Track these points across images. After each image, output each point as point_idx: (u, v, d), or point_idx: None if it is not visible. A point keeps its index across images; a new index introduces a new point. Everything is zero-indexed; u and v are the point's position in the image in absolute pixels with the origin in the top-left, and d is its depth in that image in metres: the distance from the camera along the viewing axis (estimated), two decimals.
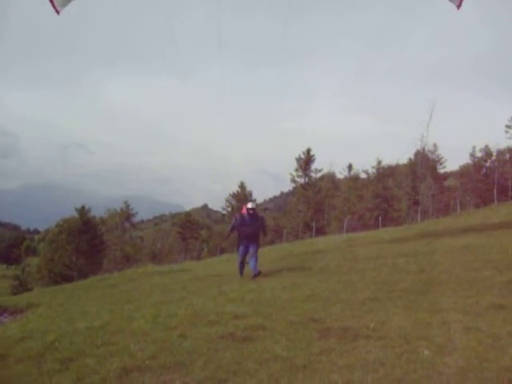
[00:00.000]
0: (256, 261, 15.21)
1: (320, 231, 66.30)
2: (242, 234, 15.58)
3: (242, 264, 15.78)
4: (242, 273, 15.77)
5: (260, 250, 15.98)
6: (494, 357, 5.71)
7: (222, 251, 66.34)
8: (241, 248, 15.68)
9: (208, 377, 5.81)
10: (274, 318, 8.53)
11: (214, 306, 10.12)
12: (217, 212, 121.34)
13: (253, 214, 15.68)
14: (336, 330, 7.38)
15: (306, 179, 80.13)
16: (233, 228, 15.93)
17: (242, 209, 16.36)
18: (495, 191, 60.89)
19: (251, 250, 15.39)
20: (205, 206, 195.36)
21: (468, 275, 11.01)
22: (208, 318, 8.89)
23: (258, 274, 14.69)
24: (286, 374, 5.70)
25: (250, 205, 16.08)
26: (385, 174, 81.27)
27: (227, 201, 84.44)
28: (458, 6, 14.66)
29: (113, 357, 6.85)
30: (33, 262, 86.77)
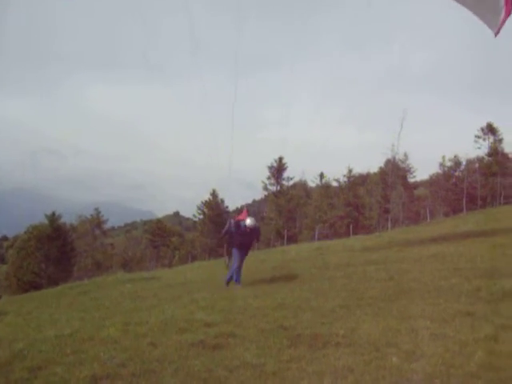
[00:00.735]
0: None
1: (292, 239, 66.49)
2: (236, 241, 15.00)
3: (234, 271, 14.91)
4: (229, 280, 15.04)
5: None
6: (460, 363, 5.82)
7: (194, 258, 66.16)
8: (235, 252, 14.97)
9: None
10: (245, 325, 8.55)
11: (184, 313, 10.10)
12: (188, 219, 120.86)
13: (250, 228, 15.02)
14: (306, 337, 7.43)
15: (278, 187, 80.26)
16: (226, 233, 15.39)
17: (238, 215, 16.10)
18: (464, 200, 61.76)
19: (242, 259, 15.03)
20: (177, 213, 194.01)
21: (436, 283, 11.16)
22: (179, 325, 8.87)
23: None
24: (256, 381, 5.73)
25: (248, 222, 15.08)
26: (356, 182, 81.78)
27: (199, 208, 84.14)
28: (496, 34, 14.94)
29: (82, 365, 6.78)
30: (1, 269, 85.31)
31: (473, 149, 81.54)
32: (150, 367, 6.50)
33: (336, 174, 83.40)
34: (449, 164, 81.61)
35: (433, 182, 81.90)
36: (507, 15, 14.61)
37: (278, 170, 79.67)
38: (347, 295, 10.66)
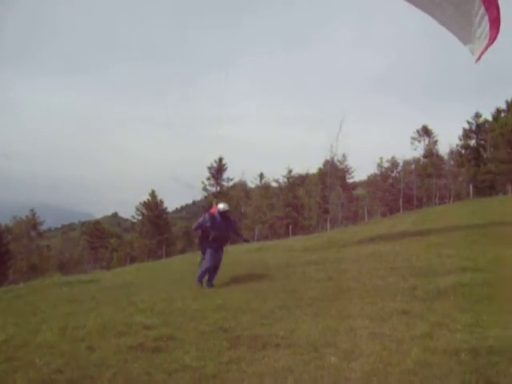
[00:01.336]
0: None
1: (232, 240, 66.47)
2: (212, 236, 14.26)
3: (208, 271, 14.29)
4: (201, 280, 14.28)
5: (171, 259, 15.78)
6: (397, 361, 5.93)
7: (132, 260, 65.36)
8: (210, 252, 14.24)
9: None
10: (185, 328, 8.50)
11: (123, 316, 9.95)
12: (127, 220, 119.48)
13: (225, 215, 14.51)
14: (246, 338, 7.44)
15: (218, 188, 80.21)
16: (199, 227, 14.52)
17: (209, 209, 15.24)
18: (401, 200, 63.13)
19: (217, 257, 14.40)
20: (115, 215, 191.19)
21: (374, 282, 11.35)
22: (117, 328, 8.73)
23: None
24: None
25: (222, 206, 14.70)
26: (295, 183, 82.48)
27: (137, 209, 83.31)
28: (477, 59, 15.22)
29: (17, 372, 6.58)
30: None
31: (409, 150, 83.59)
32: (87, 372, 6.37)
33: (276, 174, 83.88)
34: (386, 165, 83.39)
35: (370, 182, 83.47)
36: (490, 43, 15.06)
37: (217, 170, 79.62)
38: (286, 296, 10.72)
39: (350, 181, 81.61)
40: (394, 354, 6.20)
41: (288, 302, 9.96)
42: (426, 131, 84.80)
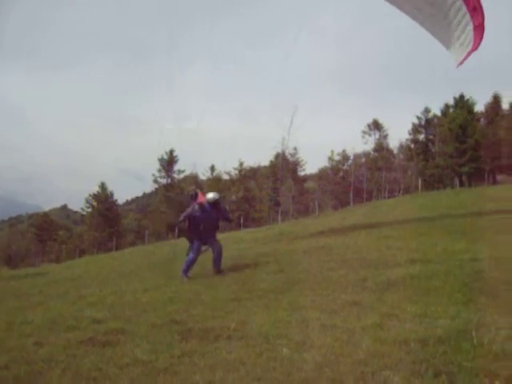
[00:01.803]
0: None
1: (183, 232, 66.20)
2: (202, 227, 13.84)
3: (193, 263, 13.98)
4: (187, 274, 13.84)
5: (121, 252, 15.56)
6: (348, 351, 5.98)
7: (82, 253, 64.52)
8: (196, 244, 13.94)
9: None
10: (135, 321, 8.41)
11: (72, 310, 9.80)
12: (76, 212, 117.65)
13: (214, 204, 14.06)
14: (197, 331, 7.40)
15: (169, 180, 79.75)
16: (186, 218, 14.03)
17: (196, 197, 14.46)
18: (351, 193, 63.85)
19: (216, 246, 14.05)
20: (64, 207, 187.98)
21: (325, 274, 11.44)
22: (66, 323, 8.59)
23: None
24: (148, 378, 5.64)
25: (212, 195, 14.24)
26: (247, 175, 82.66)
27: (87, 201, 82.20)
28: (460, 64, 15.21)
29: None
30: None
31: (360, 144, 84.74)
32: (35, 368, 6.22)
33: (227, 166, 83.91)
34: (337, 158, 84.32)
35: (321, 175, 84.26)
36: (474, 49, 15.18)
37: (168, 162, 79.20)
38: (238, 288, 10.71)
39: (301, 174, 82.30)
40: (346, 344, 6.24)
41: (239, 295, 9.96)
42: (376, 125, 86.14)
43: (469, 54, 15.36)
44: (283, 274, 12.19)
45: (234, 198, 78.59)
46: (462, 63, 15.84)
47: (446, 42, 16.35)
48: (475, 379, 5.00)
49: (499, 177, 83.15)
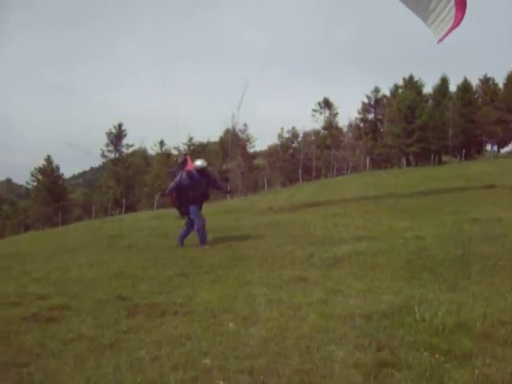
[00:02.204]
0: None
1: (130, 208, 65.67)
2: (192, 195, 13.54)
3: (189, 231, 13.87)
4: (183, 240, 13.94)
5: (67, 227, 15.27)
6: (294, 326, 6.05)
7: (27, 228, 63.30)
8: (195, 208, 13.62)
9: (8, 362, 5.47)
10: (81, 297, 8.30)
11: (16, 286, 9.58)
12: (21, 186, 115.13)
13: (203, 172, 13.79)
14: (144, 307, 7.36)
15: (117, 154, 78.75)
16: (175, 188, 13.70)
17: (184, 165, 14.14)
18: (300, 171, 64.29)
19: (199, 219, 13.68)
20: (9, 180, 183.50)
21: (273, 250, 11.55)
22: (9, 299, 8.39)
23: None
24: (92, 354, 5.57)
25: (199, 162, 13.91)
26: (196, 151, 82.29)
27: (32, 175, 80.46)
28: (440, 40, 14.96)
29: None
30: None
31: (310, 122, 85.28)
32: None
33: (176, 142, 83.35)
34: (287, 136, 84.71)
35: (271, 152, 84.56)
36: (455, 26, 15.05)
37: (116, 136, 78.14)
38: (185, 263, 10.70)
39: (251, 150, 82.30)
40: (292, 319, 6.32)
41: (187, 270, 9.95)
42: (326, 103, 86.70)
43: (450, 30, 15.35)
44: (231, 249, 12.24)
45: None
46: (442, 40, 15.84)
47: (426, 19, 16.30)
48: (416, 353, 5.12)
49: (444, 157, 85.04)
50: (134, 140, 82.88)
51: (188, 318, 6.66)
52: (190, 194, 13.57)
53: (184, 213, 13.99)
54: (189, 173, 13.63)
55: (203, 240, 13.48)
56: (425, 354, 5.08)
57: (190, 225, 13.86)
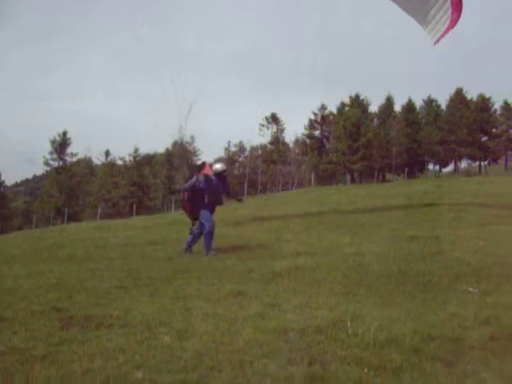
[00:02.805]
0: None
1: (73, 217, 64.60)
2: (208, 199, 13.40)
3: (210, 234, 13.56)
4: (192, 246, 13.90)
5: (5, 236, 14.92)
6: (229, 340, 6.07)
7: None
8: (207, 213, 13.48)
9: None
10: (14, 308, 8.09)
11: None
12: None
13: (221, 176, 13.70)
14: (79, 319, 7.24)
15: (61, 163, 77.47)
16: (189, 188, 13.50)
17: (201, 169, 13.89)
18: (246, 185, 64.49)
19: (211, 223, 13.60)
20: None
21: (213, 264, 11.57)
22: None
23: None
24: (23, 366, 5.47)
25: (219, 166, 13.89)
26: (142, 162, 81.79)
27: None
28: (436, 42, 14.88)
29: None
30: None
31: (257, 136, 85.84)
32: None
33: (122, 152, 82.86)
34: (233, 149, 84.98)
35: None
36: (451, 27, 15.12)
37: (61, 144, 76.90)
38: (124, 276, 10.57)
39: (198, 163, 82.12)
40: (227, 333, 6.34)
41: (125, 282, 9.84)
42: (274, 119, 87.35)
43: (446, 31, 15.40)
44: (172, 262, 12.19)
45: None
46: (438, 41, 15.85)
47: (422, 20, 16.28)
48: (347, 367, 5.22)
49: (388, 175, 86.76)
50: (80, 149, 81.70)
51: (123, 331, 6.60)
52: (205, 198, 13.41)
53: (195, 217, 13.83)
54: (206, 176, 13.46)
55: (209, 247, 13.40)
56: (355, 368, 5.19)
57: (198, 231, 13.72)
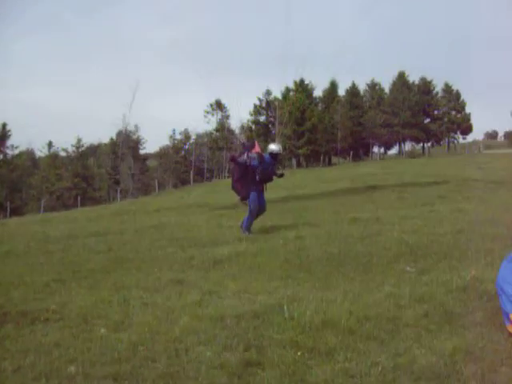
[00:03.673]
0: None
1: (16, 212, 63.14)
2: (260, 177, 13.20)
3: (254, 217, 13.50)
4: (250, 230, 13.44)
5: None
6: (165, 329, 6.05)
7: None
8: (255, 195, 13.21)
9: None
10: None
11: None
12: None
13: (274, 157, 13.61)
14: (14, 315, 7.08)
15: (1, 156, 75.57)
16: (243, 162, 13.20)
17: (252, 148, 13.62)
18: (192, 172, 64.27)
19: (263, 201, 13.57)
20: None
21: (153, 253, 11.47)
22: None
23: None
24: None
25: (275, 147, 13.80)
26: (86, 152, 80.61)
27: None
28: None
29: None
30: None
31: (202, 123, 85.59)
32: None
33: (65, 143, 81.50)
34: (179, 137, 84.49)
35: (162, 154, 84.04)
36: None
37: (0, 137, 74.97)
38: (64, 269, 10.36)
39: (143, 152, 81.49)
40: (164, 322, 6.32)
41: (64, 275, 9.65)
42: (219, 105, 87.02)
43: None
44: (112, 253, 12.01)
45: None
46: None
47: None
48: (282, 351, 5.26)
49: (334, 159, 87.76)
50: (21, 141, 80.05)
51: (59, 325, 6.51)
52: (257, 176, 13.22)
53: (245, 196, 13.62)
54: (259, 154, 13.32)
55: (248, 227, 13.33)
56: (290, 351, 5.24)
57: (255, 209, 13.44)
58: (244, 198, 13.82)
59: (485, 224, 12.67)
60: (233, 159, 13.59)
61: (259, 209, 13.42)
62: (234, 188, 13.92)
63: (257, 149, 13.67)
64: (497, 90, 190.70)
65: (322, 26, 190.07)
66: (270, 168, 13.50)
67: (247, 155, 13.26)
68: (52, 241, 13.81)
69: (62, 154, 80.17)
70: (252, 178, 13.23)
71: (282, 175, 14.16)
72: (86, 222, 21.92)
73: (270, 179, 13.75)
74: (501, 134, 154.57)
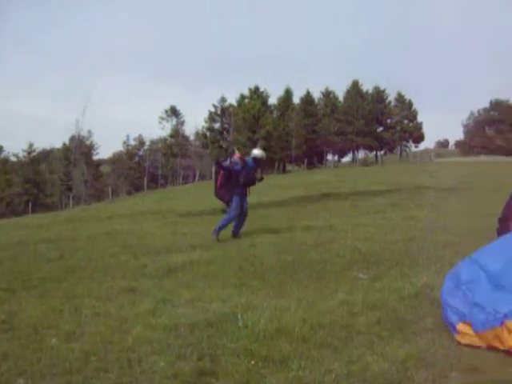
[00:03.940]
0: None
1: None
2: (243, 181, 13.43)
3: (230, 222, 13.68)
4: (219, 231, 13.45)
5: None
6: (118, 339, 5.97)
7: None
8: (237, 200, 13.40)
9: None
10: None
11: None
12: None
13: (257, 161, 13.85)
14: None
15: None
16: (228, 168, 13.39)
17: (232, 154, 13.84)
18: (146, 179, 63.85)
19: (245, 207, 13.77)
20: None
21: (106, 261, 11.31)
22: None
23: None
24: None
25: (258, 152, 14.00)
26: (38, 158, 79.37)
27: None
28: None
29: None
30: None
31: (157, 129, 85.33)
32: None
33: (16, 148, 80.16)
34: (133, 143, 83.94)
35: (116, 160, 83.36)
36: None
37: None
38: (13, 278, 10.12)
39: (96, 157, 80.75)
40: (117, 332, 6.23)
41: (14, 285, 9.41)
42: (174, 111, 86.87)
43: None
44: (63, 261, 11.82)
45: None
46: None
47: None
48: (236, 359, 5.25)
49: (289, 166, 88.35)
50: None
51: (8, 336, 6.36)
52: (240, 180, 13.44)
53: (228, 200, 13.72)
54: (241, 158, 13.59)
55: (220, 229, 13.43)
56: (244, 360, 5.23)
57: (239, 215, 13.73)
58: (228, 201, 14.03)
59: (436, 231, 12.95)
60: (218, 164, 13.94)
61: (241, 213, 13.74)
62: (217, 195, 14.20)
63: (237, 155, 13.93)
64: (448, 99, 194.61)
65: (279, 32, 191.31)
66: (252, 172, 13.81)
67: (230, 161, 13.57)
68: (1, 248, 13.51)
69: (13, 159, 78.83)
70: (236, 182, 13.52)
71: (262, 179, 14.43)
72: (37, 228, 21.54)
73: (253, 183, 14.07)
74: (452, 142, 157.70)
